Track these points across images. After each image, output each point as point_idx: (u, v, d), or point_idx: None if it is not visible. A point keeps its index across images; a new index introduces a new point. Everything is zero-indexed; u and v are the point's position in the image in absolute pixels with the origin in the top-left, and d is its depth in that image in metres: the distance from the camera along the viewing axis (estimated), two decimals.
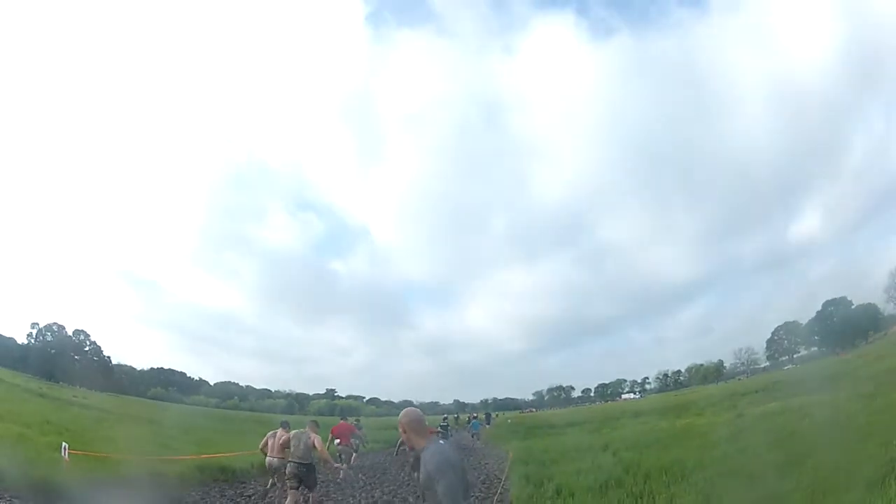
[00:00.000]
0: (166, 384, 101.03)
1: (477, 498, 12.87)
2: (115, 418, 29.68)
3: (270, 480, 13.82)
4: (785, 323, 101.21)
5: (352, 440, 18.04)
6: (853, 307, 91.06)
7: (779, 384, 38.25)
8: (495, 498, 12.61)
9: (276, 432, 12.80)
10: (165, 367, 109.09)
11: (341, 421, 19.23)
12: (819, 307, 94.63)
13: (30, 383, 48.41)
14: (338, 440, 16.85)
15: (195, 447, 18.14)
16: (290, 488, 10.95)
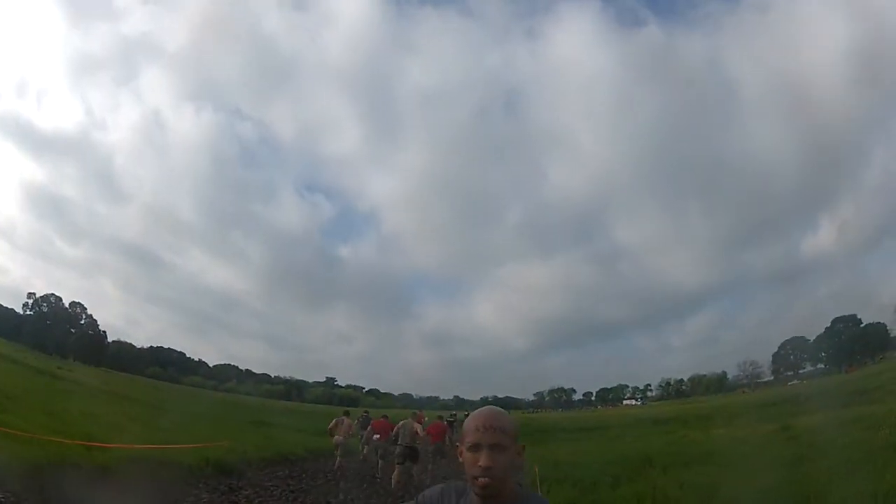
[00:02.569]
0: (165, 363, 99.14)
1: None
2: (84, 393, 26.37)
3: (338, 460, 15.66)
4: (792, 338, 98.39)
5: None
6: (862, 325, 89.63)
7: (797, 397, 36.41)
8: None
9: (342, 418, 16.63)
10: (165, 346, 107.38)
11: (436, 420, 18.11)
12: (828, 324, 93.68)
13: (17, 353, 46.14)
14: (377, 435, 15.77)
15: (156, 434, 14.53)
16: (398, 464, 13.24)
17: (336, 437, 16.11)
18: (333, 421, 16.52)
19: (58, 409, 16.09)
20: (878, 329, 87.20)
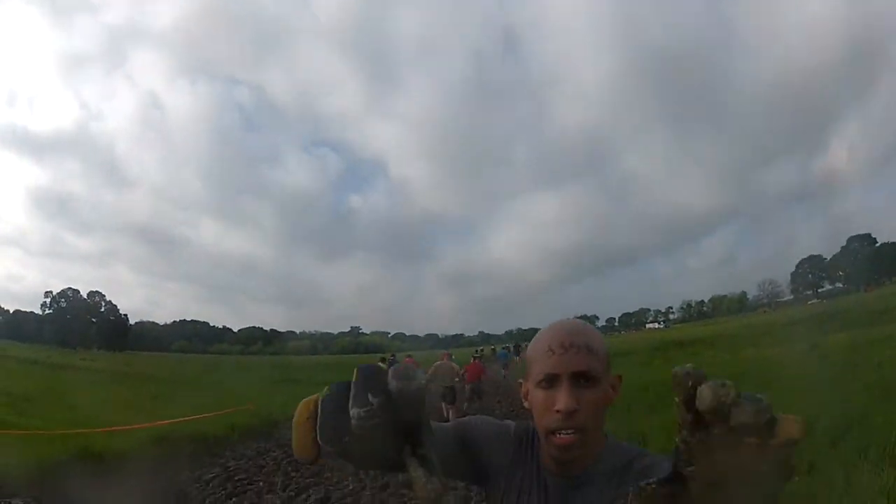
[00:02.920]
0: (190, 336, 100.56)
1: None
2: (105, 380, 25.99)
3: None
4: (809, 257, 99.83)
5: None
6: (878, 245, 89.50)
7: (821, 316, 37.24)
8: None
9: (391, 360, 18.23)
10: (188, 318, 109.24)
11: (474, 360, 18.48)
12: (843, 243, 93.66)
13: (37, 353, 46.06)
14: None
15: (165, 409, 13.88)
16: (443, 404, 13.89)
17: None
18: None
19: (79, 402, 15.71)
20: (894, 248, 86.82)
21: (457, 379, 14.42)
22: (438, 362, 14.70)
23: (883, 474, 5.82)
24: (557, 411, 1.20)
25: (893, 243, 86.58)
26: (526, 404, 1.35)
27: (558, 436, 1.21)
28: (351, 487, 7.53)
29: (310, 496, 7.01)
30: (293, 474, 8.29)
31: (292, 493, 7.17)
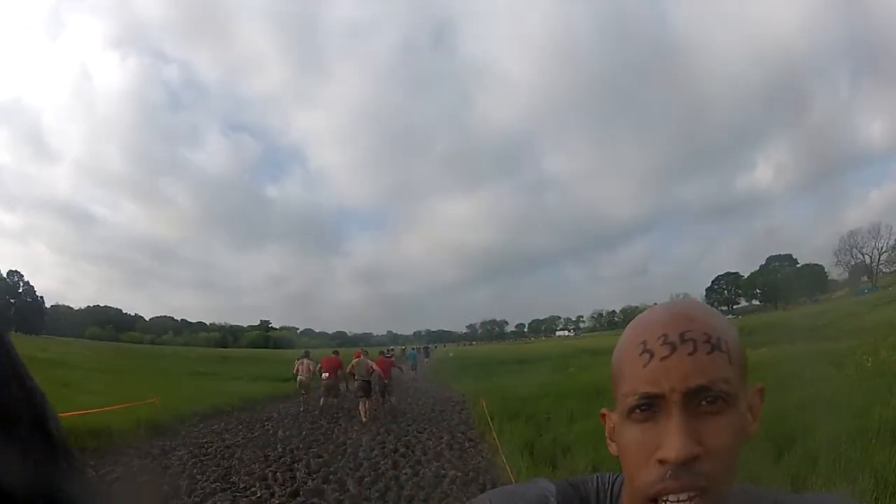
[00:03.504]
0: (103, 323, 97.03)
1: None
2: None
3: (324, 398, 16.02)
4: (726, 273, 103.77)
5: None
6: (798, 266, 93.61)
7: (742, 330, 36.35)
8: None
9: (303, 360, 17.58)
10: (101, 304, 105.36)
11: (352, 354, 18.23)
12: (763, 261, 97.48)
13: None
14: (326, 373, 16.33)
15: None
16: (359, 397, 14.85)
17: (299, 377, 17.15)
18: (296, 364, 17.54)
19: None
20: (815, 270, 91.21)
21: (371, 373, 15.47)
22: (356, 360, 15.90)
23: (835, 486, 6.01)
24: (662, 461, 0.73)
25: (814, 265, 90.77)
26: (612, 448, 0.87)
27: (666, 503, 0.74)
28: (259, 495, 7.26)
29: (216, 503, 6.78)
30: (198, 477, 7.94)
31: (198, 499, 6.85)
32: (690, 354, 0.75)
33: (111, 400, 12.14)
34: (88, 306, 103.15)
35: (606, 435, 0.91)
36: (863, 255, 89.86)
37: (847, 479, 6.07)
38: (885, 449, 6.56)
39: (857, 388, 10.03)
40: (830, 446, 6.80)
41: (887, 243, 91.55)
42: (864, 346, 14.91)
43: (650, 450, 0.75)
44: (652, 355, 0.77)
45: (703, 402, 0.74)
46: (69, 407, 10.02)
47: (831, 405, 9.28)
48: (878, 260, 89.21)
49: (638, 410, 0.77)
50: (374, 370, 15.58)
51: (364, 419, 14.14)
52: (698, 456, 0.72)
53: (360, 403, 14.68)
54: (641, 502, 0.77)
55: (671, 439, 0.73)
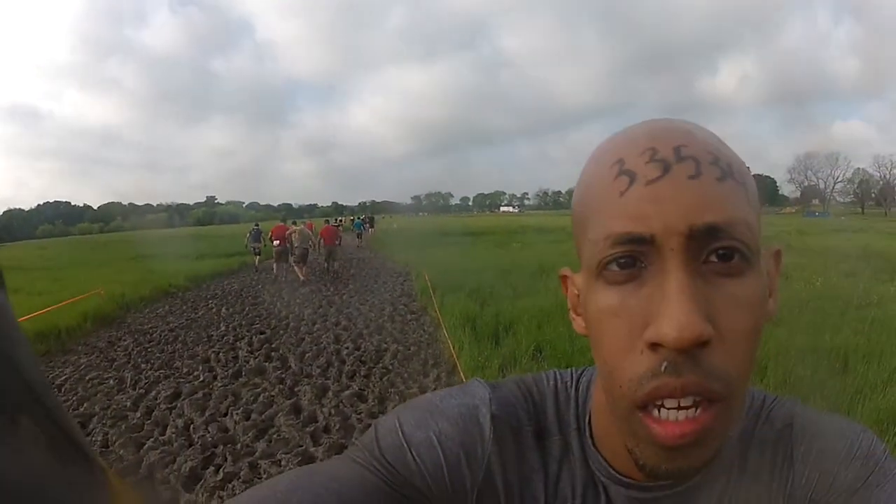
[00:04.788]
0: (53, 219, 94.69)
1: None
2: None
3: (276, 265, 17.57)
4: None
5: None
6: (751, 174, 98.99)
7: None
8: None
9: (254, 230, 19.98)
10: (51, 200, 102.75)
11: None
12: None
13: None
14: (276, 241, 17.41)
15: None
16: (297, 263, 16.62)
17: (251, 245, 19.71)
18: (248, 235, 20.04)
19: None
20: (766, 182, 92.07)
21: (311, 243, 17.11)
22: (299, 227, 17.41)
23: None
24: (655, 345, 0.47)
25: (766, 177, 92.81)
26: (577, 325, 0.62)
27: (660, 414, 0.48)
28: (202, 379, 7.25)
29: (160, 392, 6.71)
30: (143, 366, 7.88)
31: (142, 391, 6.79)
32: (692, 178, 0.48)
33: (58, 298, 11.82)
34: (39, 204, 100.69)
35: (569, 307, 0.64)
36: (817, 178, 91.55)
37: (797, 397, 6.24)
38: (837, 376, 6.29)
39: (806, 307, 9.54)
40: (779, 360, 6.52)
41: (844, 174, 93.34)
42: (815, 265, 14.37)
43: (635, 327, 0.49)
44: (633, 178, 0.49)
45: (713, 258, 0.48)
46: (20, 312, 9.66)
47: (779, 317, 9.26)
48: (833, 188, 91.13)
49: (615, 266, 0.49)
50: (312, 240, 17.27)
51: (302, 278, 16.14)
52: (709, 340, 0.46)
53: (298, 268, 16.60)
54: (624, 409, 0.51)
55: (669, 310, 0.46)
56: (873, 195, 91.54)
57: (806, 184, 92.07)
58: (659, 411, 0.48)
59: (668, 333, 0.45)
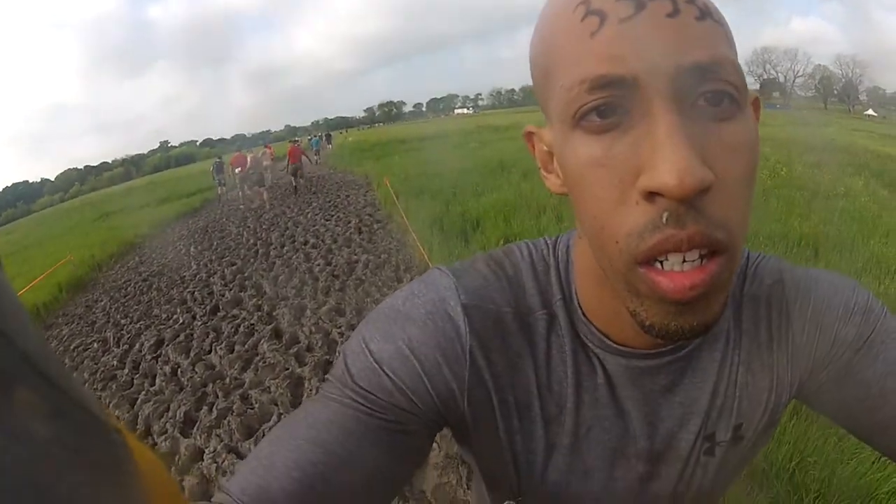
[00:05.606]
0: (14, 202, 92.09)
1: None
2: None
3: (241, 192, 17.49)
4: None
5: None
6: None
7: None
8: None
9: (217, 163, 20.08)
10: (9, 184, 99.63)
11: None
12: None
13: None
14: (238, 168, 17.88)
15: None
16: (258, 186, 16.65)
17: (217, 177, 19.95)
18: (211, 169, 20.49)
19: None
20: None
21: (266, 163, 18.11)
22: (252, 154, 18.27)
23: None
24: (652, 194, 0.43)
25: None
26: (551, 183, 0.57)
27: (663, 267, 0.45)
28: (182, 321, 7.20)
29: (143, 343, 6.65)
30: (122, 321, 7.80)
31: (126, 346, 6.73)
32: (670, 16, 0.43)
33: (31, 278, 11.44)
34: None
35: (538, 165, 0.58)
36: (776, 72, 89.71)
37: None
38: (810, 263, 6.31)
39: (772, 194, 9.49)
40: (749, 246, 6.66)
41: (804, 69, 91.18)
42: (778, 155, 14.02)
43: (626, 177, 0.44)
44: (603, 18, 0.44)
45: (702, 101, 0.44)
46: None
47: None
48: (793, 82, 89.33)
49: (594, 115, 0.45)
50: (268, 160, 18.76)
51: (265, 202, 16.10)
52: (710, 186, 0.42)
53: (257, 193, 16.72)
54: (621, 266, 0.47)
55: (665, 155, 0.41)
56: (835, 92, 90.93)
57: (765, 76, 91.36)
58: (662, 265, 0.45)
59: (667, 181, 0.41)
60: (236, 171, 17.93)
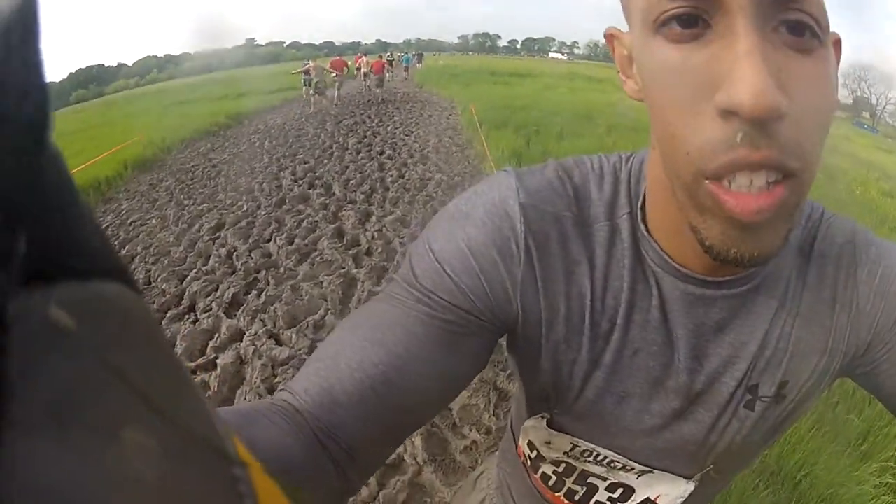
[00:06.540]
0: (86, 84, 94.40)
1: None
2: None
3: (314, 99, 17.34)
4: None
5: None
6: None
7: None
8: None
9: (307, 66, 18.11)
10: (83, 66, 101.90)
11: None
12: None
13: None
14: (335, 73, 18.16)
15: None
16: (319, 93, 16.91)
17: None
18: (301, 69, 19.09)
19: None
20: None
21: (333, 75, 17.90)
22: (316, 63, 17.93)
23: None
24: (727, 112, 0.41)
25: None
26: (629, 87, 0.55)
27: (731, 187, 0.43)
28: (245, 209, 7.05)
29: (203, 225, 6.53)
30: (185, 202, 7.68)
31: (185, 226, 6.60)
32: None
33: (97, 153, 11.47)
34: (70, 73, 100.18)
35: (618, 69, 0.55)
36: (871, 92, 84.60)
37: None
38: None
39: (846, 208, 8.84)
40: None
41: None
42: (856, 173, 13.68)
43: (703, 89, 0.42)
44: None
45: (784, 28, 0.42)
46: None
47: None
48: (885, 107, 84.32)
49: (676, 24, 0.43)
50: (335, 74, 18.14)
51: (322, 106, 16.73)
52: (784, 114, 0.40)
53: (317, 98, 17.02)
54: (689, 178, 0.45)
55: (742, 72, 0.39)
56: None
57: (858, 93, 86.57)
58: (730, 184, 0.43)
59: (743, 101, 0.39)
60: (333, 75, 17.86)
